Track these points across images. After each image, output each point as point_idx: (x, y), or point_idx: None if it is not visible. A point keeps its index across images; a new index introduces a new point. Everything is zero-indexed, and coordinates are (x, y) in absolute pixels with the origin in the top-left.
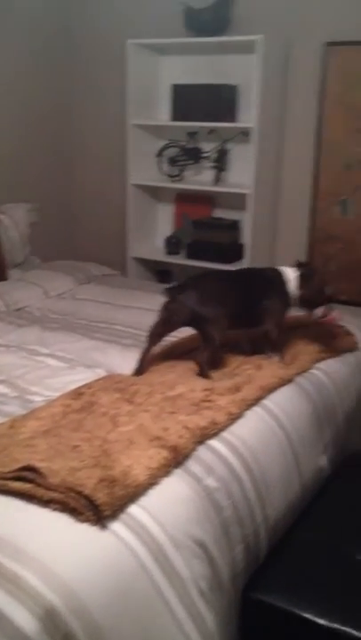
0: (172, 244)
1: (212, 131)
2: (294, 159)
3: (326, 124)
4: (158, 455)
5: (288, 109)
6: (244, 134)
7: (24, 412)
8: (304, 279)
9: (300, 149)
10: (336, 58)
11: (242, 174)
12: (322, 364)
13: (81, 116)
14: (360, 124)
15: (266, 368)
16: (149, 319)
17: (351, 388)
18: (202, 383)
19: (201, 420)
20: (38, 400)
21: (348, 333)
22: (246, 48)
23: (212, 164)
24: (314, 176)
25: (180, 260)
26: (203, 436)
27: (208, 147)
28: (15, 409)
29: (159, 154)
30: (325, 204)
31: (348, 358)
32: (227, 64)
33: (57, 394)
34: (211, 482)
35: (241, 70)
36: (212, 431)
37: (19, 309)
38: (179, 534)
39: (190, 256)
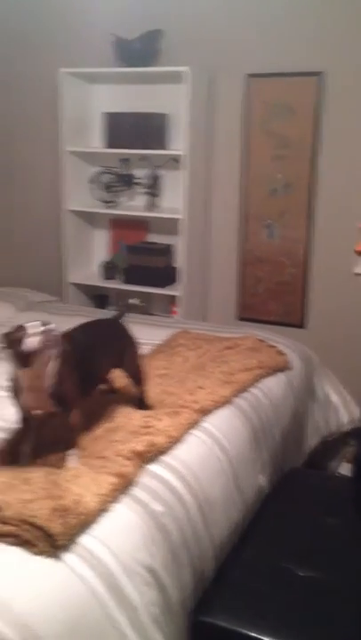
0: (109, 269)
1: (143, 157)
2: (223, 185)
3: (251, 151)
4: (106, 482)
5: (215, 137)
6: (175, 161)
7: None
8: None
9: (227, 175)
10: (257, 88)
11: (174, 199)
12: (258, 383)
13: (16, 144)
14: (281, 152)
15: (202, 390)
16: None
17: (286, 406)
18: (140, 411)
19: (138, 445)
20: None
21: (281, 353)
22: (174, 78)
23: (144, 190)
24: (241, 201)
25: (116, 284)
26: (144, 460)
27: (140, 173)
28: None
29: (93, 180)
30: (253, 228)
31: (282, 377)
32: (156, 93)
33: (7, 424)
34: (157, 506)
35: (170, 99)
36: (152, 454)
37: None
38: (129, 561)
39: (127, 281)
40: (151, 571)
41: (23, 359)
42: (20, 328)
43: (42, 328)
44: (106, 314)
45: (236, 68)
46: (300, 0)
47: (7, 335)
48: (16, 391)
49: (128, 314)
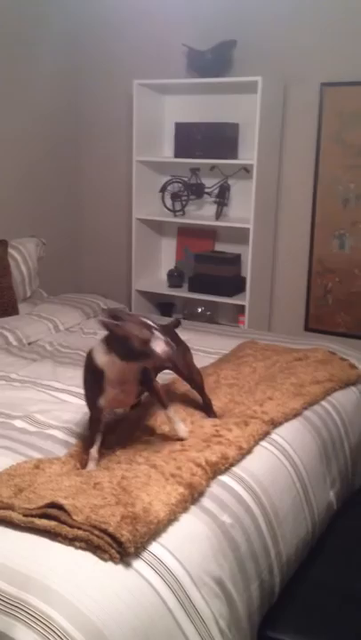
0: (175, 277)
1: (213, 167)
2: (293, 194)
3: (323, 160)
4: (175, 491)
5: (287, 146)
6: (245, 170)
7: (44, 446)
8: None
9: (298, 185)
10: (331, 97)
11: (243, 209)
12: (329, 397)
13: (89, 154)
14: (355, 161)
15: (272, 401)
16: None
17: (357, 420)
18: (209, 419)
19: (212, 456)
20: (58, 436)
21: (353, 366)
22: (247, 88)
23: (214, 199)
24: (312, 211)
25: (182, 292)
26: (215, 472)
27: (210, 182)
28: (35, 442)
29: (162, 189)
30: (323, 238)
31: (353, 391)
32: (228, 103)
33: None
34: (226, 518)
35: (242, 109)
36: (224, 466)
37: (30, 343)
38: (198, 572)
39: (192, 289)
40: (220, 583)
41: (138, 355)
42: (145, 325)
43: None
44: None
45: (309, 77)
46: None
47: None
48: (100, 388)
49: (183, 323)
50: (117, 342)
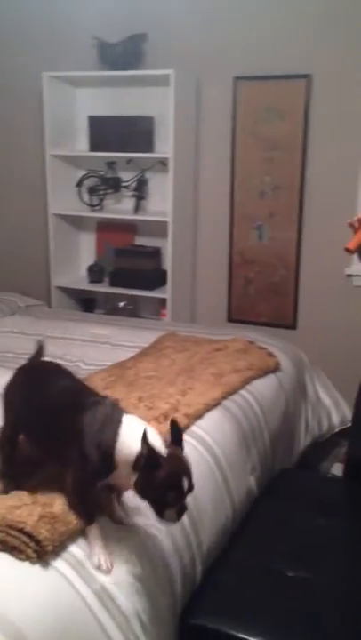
0: (95, 273)
1: (130, 160)
2: (211, 187)
3: (239, 153)
4: None
5: (203, 140)
6: (163, 164)
7: None
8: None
9: (216, 178)
10: (245, 91)
11: (161, 202)
12: (248, 385)
13: (1, 149)
14: (270, 155)
15: (192, 391)
16: (80, 350)
17: (276, 408)
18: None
19: None
20: None
21: (271, 355)
22: (160, 81)
23: (131, 193)
24: (230, 203)
25: (103, 287)
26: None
27: (127, 176)
28: None
29: (79, 184)
30: (242, 230)
31: (272, 379)
32: (142, 96)
33: None
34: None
35: (156, 102)
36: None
37: None
38: (119, 571)
39: (113, 283)
40: (141, 580)
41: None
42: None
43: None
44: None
45: (223, 70)
46: (286, 3)
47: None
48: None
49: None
50: (146, 476)
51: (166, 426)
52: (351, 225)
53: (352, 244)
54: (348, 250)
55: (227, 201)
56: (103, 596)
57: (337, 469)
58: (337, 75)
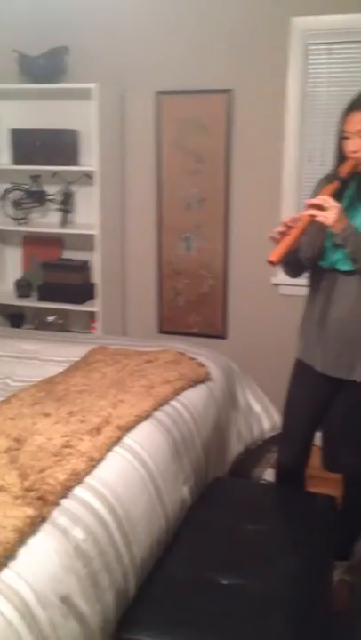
0: (23, 287)
1: (54, 174)
2: (138, 200)
3: (165, 166)
4: (23, 514)
5: (128, 152)
6: (88, 177)
7: None
8: None
9: (142, 190)
10: (168, 105)
11: (88, 215)
12: (179, 396)
13: None
14: (195, 167)
15: (123, 404)
16: (7, 367)
17: (208, 417)
18: (60, 428)
19: (62, 474)
20: None
21: (201, 365)
22: (83, 94)
23: (57, 207)
24: (157, 215)
25: (31, 302)
26: (66, 489)
27: (52, 189)
28: None
29: (2, 197)
30: (170, 242)
31: (203, 389)
32: (66, 109)
33: None
34: (77, 532)
35: (80, 115)
36: (74, 482)
37: None
38: (46, 593)
39: (42, 298)
40: (67, 601)
41: None
42: None
43: None
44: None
45: (145, 85)
46: (207, 20)
47: None
48: None
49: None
50: None
51: (99, 439)
52: (272, 238)
53: (274, 257)
54: (270, 262)
55: (154, 213)
56: (30, 620)
57: (269, 475)
58: (256, 90)
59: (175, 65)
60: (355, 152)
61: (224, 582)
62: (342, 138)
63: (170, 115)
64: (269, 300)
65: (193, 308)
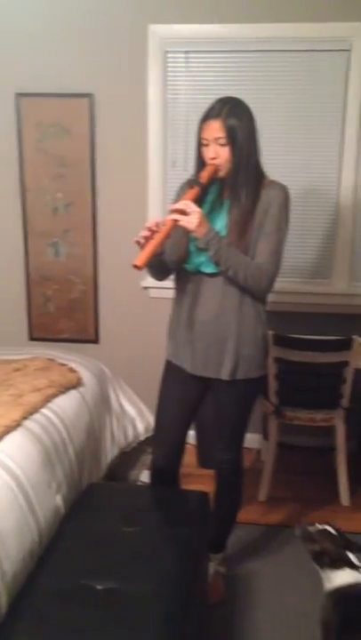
0: None
1: None
2: (1, 205)
3: (28, 170)
4: None
5: None
6: None
7: None
8: None
9: (5, 195)
10: (28, 108)
11: None
12: (50, 403)
13: None
14: (60, 171)
15: None
16: None
17: (80, 423)
18: None
19: None
20: None
21: (72, 370)
22: None
23: None
24: (23, 221)
25: None
26: None
27: None
28: None
29: None
30: (38, 247)
31: (74, 395)
32: None
33: None
34: None
35: None
36: None
37: None
38: None
39: None
40: None
41: None
42: None
43: None
44: None
45: (3, 87)
46: (68, 24)
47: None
48: None
49: None
50: None
51: None
52: (138, 242)
53: (139, 261)
54: (135, 266)
55: (19, 218)
56: None
57: (145, 477)
58: (118, 95)
59: (35, 67)
60: (213, 159)
61: (100, 588)
62: (201, 145)
63: (30, 117)
64: (140, 303)
65: (64, 314)
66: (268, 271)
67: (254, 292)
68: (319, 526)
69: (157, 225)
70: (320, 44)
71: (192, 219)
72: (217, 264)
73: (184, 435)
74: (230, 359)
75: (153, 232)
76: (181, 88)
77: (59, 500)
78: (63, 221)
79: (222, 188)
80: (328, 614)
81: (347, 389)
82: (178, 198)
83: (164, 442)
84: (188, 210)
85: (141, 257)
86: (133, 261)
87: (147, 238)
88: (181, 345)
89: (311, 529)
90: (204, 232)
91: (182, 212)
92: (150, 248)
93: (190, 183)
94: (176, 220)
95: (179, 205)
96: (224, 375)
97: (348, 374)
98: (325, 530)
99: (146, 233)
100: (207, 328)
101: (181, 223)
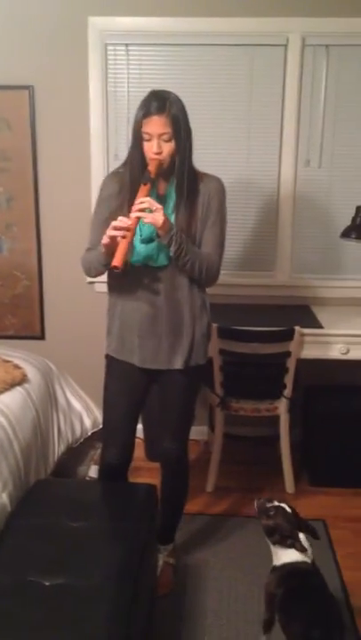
0: None
1: None
2: None
3: None
4: None
5: None
6: None
7: None
8: None
9: None
10: None
11: None
12: None
13: None
14: (1, 165)
15: None
16: None
17: (25, 420)
18: None
19: None
20: None
21: (17, 367)
22: None
23: None
24: None
25: None
26: None
27: None
28: None
29: None
30: None
31: (19, 391)
32: None
33: None
34: None
35: None
36: None
37: None
38: None
39: None
40: None
41: None
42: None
43: None
44: None
45: None
46: (7, 16)
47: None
48: None
49: None
50: None
51: None
52: (105, 245)
53: (117, 261)
54: (115, 267)
55: None
56: None
57: (94, 472)
58: (58, 87)
59: None
60: (158, 153)
61: (47, 584)
62: (141, 140)
63: None
64: (85, 298)
65: (8, 310)
66: (217, 261)
67: (206, 281)
68: (276, 503)
69: (124, 223)
70: (257, 38)
71: (157, 216)
72: (177, 257)
73: (134, 431)
74: (184, 348)
75: (124, 230)
76: (123, 80)
77: (4, 497)
78: (5, 216)
79: (158, 184)
80: (273, 588)
81: (289, 379)
82: (109, 192)
83: (116, 441)
84: (152, 207)
85: (118, 257)
86: (112, 263)
87: (113, 238)
88: (127, 339)
89: (268, 505)
90: (167, 228)
91: (142, 210)
92: (124, 246)
93: (144, 180)
94: (140, 218)
95: (144, 204)
96: (178, 364)
97: (291, 364)
98: (281, 507)
99: (117, 233)
100: (159, 320)
101: (148, 220)
